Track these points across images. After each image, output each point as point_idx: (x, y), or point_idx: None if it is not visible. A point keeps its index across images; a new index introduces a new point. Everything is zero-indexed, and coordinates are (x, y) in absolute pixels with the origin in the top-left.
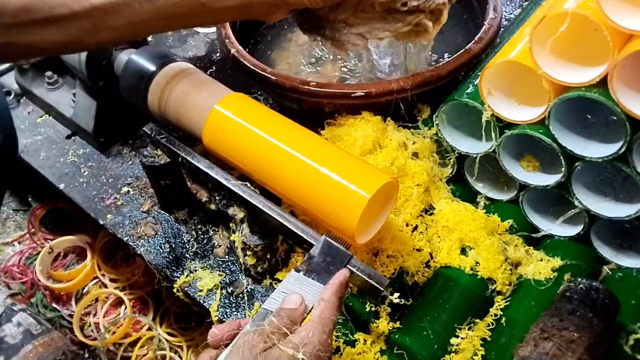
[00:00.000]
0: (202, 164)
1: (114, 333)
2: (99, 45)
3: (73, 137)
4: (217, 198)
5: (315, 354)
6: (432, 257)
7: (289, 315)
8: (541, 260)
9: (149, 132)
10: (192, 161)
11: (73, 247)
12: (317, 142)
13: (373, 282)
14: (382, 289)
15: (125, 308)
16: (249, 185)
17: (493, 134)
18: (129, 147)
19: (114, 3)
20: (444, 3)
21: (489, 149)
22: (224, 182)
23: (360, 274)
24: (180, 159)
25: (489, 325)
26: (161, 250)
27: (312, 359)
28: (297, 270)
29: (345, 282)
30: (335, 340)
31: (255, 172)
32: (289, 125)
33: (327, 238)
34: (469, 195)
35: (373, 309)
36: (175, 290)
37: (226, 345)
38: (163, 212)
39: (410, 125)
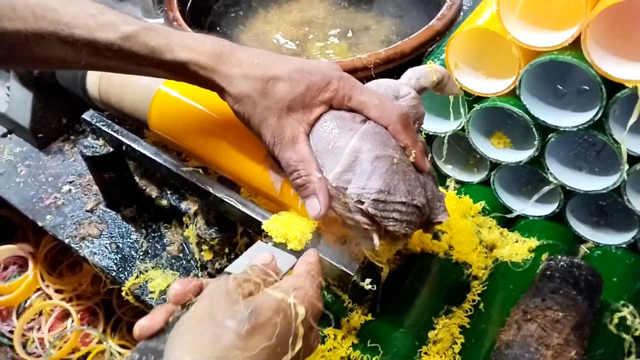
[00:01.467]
0: (149, 151)
1: (60, 348)
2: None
3: (9, 135)
4: (168, 193)
5: (308, 299)
6: (403, 246)
7: (262, 269)
8: (517, 241)
9: (89, 120)
10: (138, 148)
11: (14, 258)
12: None
13: (342, 267)
14: (352, 274)
15: (73, 321)
16: (201, 171)
17: (462, 110)
18: (70, 144)
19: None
20: (405, 234)
21: (458, 126)
22: (173, 169)
23: (328, 259)
24: (124, 147)
25: (467, 312)
26: (107, 251)
27: (306, 304)
28: (264, 242)
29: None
30: None
31: (208, 156)
32: None
33: None
34: (438, 179)
35: (346, 304)
36: (124, 293)
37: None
38: (109, 210)
39: None
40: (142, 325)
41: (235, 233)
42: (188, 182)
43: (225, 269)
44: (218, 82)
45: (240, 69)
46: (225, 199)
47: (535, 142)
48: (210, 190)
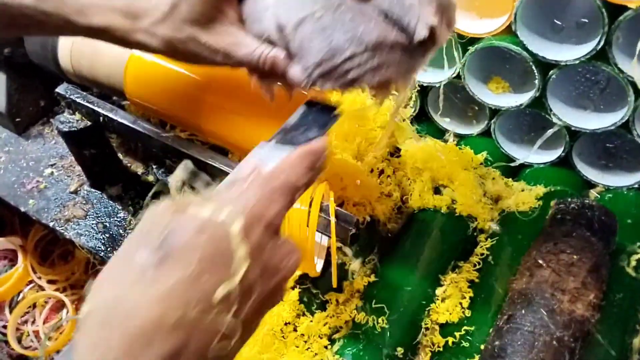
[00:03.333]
0: (127, 120)
1: (56, 339)
2: None
3: None
4: (154, 167)
5: (251, 210)
6: (403, 202)
7: (229, 185)
8: (523, 190)
9: (64, 94)
10: (115, 118)
11: (4, 252)
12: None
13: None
14: (350, 227)
15: (68, 311)
16: (183, 135)
17: (456, 54)
18: (50, 127)
19: None
20: (387, 81)
21: (453, 74)
22: (154, 137)
23: (323, 215)
24: (102, 118)
25: (475, 266)
26: (94, 232)
27: (243, 219)
28: (268, 141)
29: (321, 150)
30: (302, 303)
31: (189, 119)
32: None
33: (309, 103)
34: (436, 134)
35: (348, 266)
36: None
37: None
38: (94, 190)
39: None
40: None
41: None
42: (170, 149)
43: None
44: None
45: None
46: (209, 162)
47: (536, 82)
48: (193, 154)
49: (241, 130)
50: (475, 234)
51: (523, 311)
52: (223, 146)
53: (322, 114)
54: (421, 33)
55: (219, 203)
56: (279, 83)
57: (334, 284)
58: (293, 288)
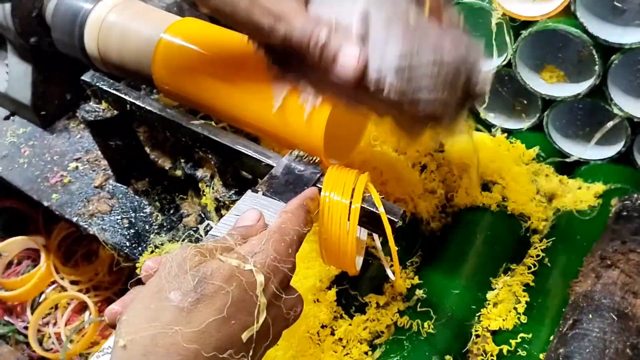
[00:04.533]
0: (154, 107)
1: (78, 342)
2: None
3: (12, 118)
4: (182, 162)
5: (269, 264)
6: (448, 200)
7: (243, 233)
8: (580, 188)
9: (89, 81)
10: (143, 105)
11: (28, 252)
12: None
13: (378, 211)
14: (396, 220)
15: (90, 313)
16: (214, 123)
17: (507, 39)
18: (76, 121)
19: None
20: (444, 106)
21: (503, 61)
22: (183, 124)
23: (366, 206)
24: (128, 106)
25: (529, 268)
26: (119, 227)
27: (266, 269)
28: (255, 191)
29: (315, 200)
30: (339, 305)
31: (219, 104)
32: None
33: (292, 156)
34: (485, 131)
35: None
36: (138, 270)
37: None
38: (119, 185)
39: None
40: (114, 312)
41: None
42: (200, 137)
43: (210, 232)
44: None
45: None
46: (241, 150)
47: (596, 68)
48: (225, 142)
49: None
50: (528, 234)
51: (590, 315)
52: (254, 133)
53: (306, 168)
54: (484, 88)
55: (244, 253)
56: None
57: (393, 277)
58: (329, 288)
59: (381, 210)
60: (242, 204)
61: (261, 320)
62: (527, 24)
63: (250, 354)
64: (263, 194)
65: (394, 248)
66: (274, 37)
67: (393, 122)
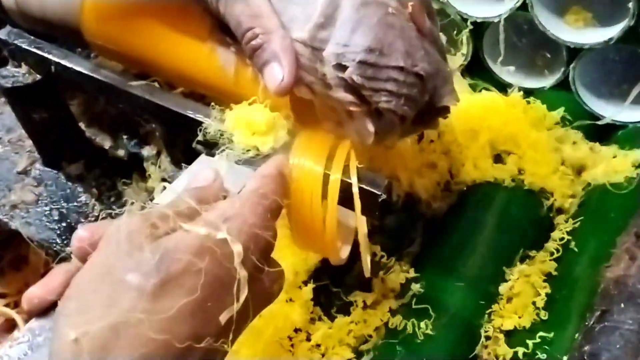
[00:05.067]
0: (84, 67)
1: None
2: None
3: None
4: (125, 138)
5: (247, 230)
6: (452, 176)
7: (198, 195)
8: (615, 156)
9: (5, 39)
10: (70, 65)
11: None
12: None
13: (364, 185)
14: (378, 192)
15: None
16: (157, 84)
17: None
18: None
19: None
20: (402, 116)
21: (516, 3)
22: (120, 87)
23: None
24: (53, 68)
25: (552, 255)
26: (47, 220)
27: (244, 237)
28: (210, 155)
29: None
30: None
31: (161, 59)
32: None
33: None
34: (496, 90)
35: (378, 258)
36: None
37: None
38: (48, 169)
39: None
40: (33, 296)
41: None
42: (141, 102)
43: (153, 201)
44: None
45: None
46: (191, 115)
47: (630, 5)
48: (170, 106)
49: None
50: (551, 213)
51: (622, 305)
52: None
53: None
54: (452, 102)
55: (213, 219)
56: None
57: (367, 273)
58: (306, 283)
59: (353, 179)
60: (194, 166)
61: (242, 297)
62: None
63: (230, 337)
64: (221, 157)
65: (362, 229)
66: (212, 10)
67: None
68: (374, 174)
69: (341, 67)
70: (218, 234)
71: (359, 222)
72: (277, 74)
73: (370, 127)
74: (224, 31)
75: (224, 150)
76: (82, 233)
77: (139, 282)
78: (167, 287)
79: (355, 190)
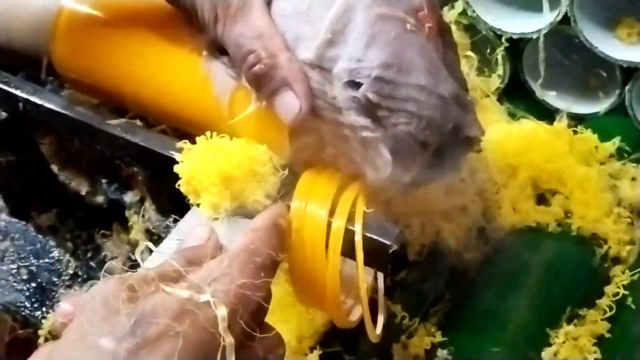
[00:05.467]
0: (57, 104)
1: None
2: None
3: None
4: (104, 183)
5: (236, 292)
6: (487, 221)
7: (189, 256)
8: None
9: None
10: (40, 102)
11: None
12: None
13: (372, 235)
14: (389, 243)
15: None
16: (139, 122)
17: None
18: None
19: None
20: (424, 143)
21: (557, 16)
22: (96, 125)
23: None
24: (21, 105)
25: (605, 313)
26: (14, 280)
27: (231, 299)
28: None
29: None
30: None
31: (142, 94)
32: None
33: None
34: (540, 116)
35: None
36: (41, 339)
37: None
38: (15, 220)
39: None
40: None
41: None
42: (120, 143)
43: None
44: None
45: None
46: (177, 157)
47: None
48: (153, 147)
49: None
50: (605, 264)
51: None
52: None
53: None
54: (476, 132)
55: (198, 280)
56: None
57: (372, 337)
58: (312, 350)
59: (357, 227)
60: (185, 223)
61: None
62: None
63: None
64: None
65: (362, 282)
66: (209, 32)
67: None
68: (385, 221)
69: (354, 85)
70: (201, 296)
71: (361, 277)
72: (293, 103)
73: (387, 155)
74: (221, 56)
75: None
76: (66, 307)
77: (113, 347)
78: (141, 353)
79: (357, 239)
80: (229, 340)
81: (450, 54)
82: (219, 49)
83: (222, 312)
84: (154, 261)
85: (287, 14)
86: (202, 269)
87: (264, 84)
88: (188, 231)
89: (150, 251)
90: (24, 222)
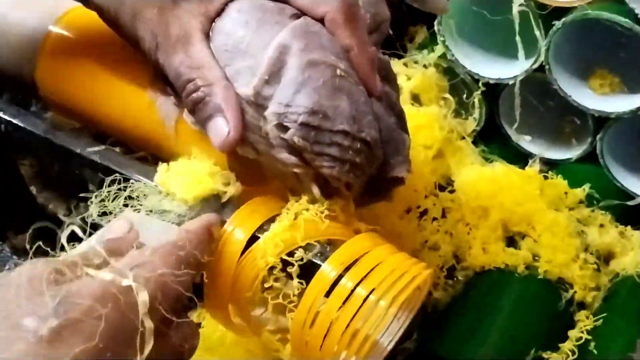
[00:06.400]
0: (38, 128)
1: None
2: None
3: None
4: (81, 206)
5: (157, 279)
6: (458, 260)
7: (109, 246)
8: None
9: None
10: (22, 125)
11: None
12: None
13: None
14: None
15: None
16: (118, 149)
17: (537, 33)
18: None
19: None
20: (348, 184)
21: (533, 64)
22: (76, 151)
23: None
24: (3, 127)
25: (567, 357)
26: None
27: (152, 286)
28: (137, 210)
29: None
30: None
31: (126, 122)
32: None
33: None
34: (514, 161)
35: None
36: None
37: None
38: None
39: (399, 53)
40: None
41: None
42: (100, 169)
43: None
44: None
45: None
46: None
47: None
48: (140, 176)
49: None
50: (571, 308)
51: None
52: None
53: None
54: (403, 173)
55: (121, 265)
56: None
57: None
58: None
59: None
60: (114, 222)
61: (147, 351)
62: (560, 11)
63: None
64: (147, 213)
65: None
66: (151, 60)
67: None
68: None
69: (283, 128)
70: (123, 280)
71: None
72: (223, 128)
73: (316, 190)
74: (165, 83)
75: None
76: None
77: (35, 326)
78: (64, 333)
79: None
80: (148, 324)
81: (388, 88)
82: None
83: (143, 297)
84: (80, 250)
85: (229, 49)
86: (125, 256)
87: (199, 109)
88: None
89: (76, 236)
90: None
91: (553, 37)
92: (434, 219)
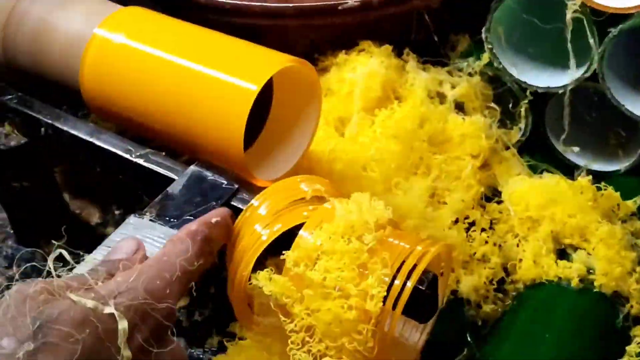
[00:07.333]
0: (81, 131)
1: None
2: None
3: None
4: (116, 214)
5: (138, 307)
6: (507, 273)
7: (112, 268)
8: None
9: None
10: (65, 128)
11: None
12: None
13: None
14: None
15: None
16: (165, 154)
17: (591, 41)
18: None
19: None
20: None
21: (585, 72)
22: (126, 156)
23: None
24: (43, 130)
25: None
26: None
27: (132, 314)
28: (140, 215)
29: (221, 224)
30: None
31: (171, 127)
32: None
33: (198, 167)
34: (560, 168)
35: None
36: None
37: None
38: (22, 247)
39: (443, 60)
40: None
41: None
42: (145, 173)
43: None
44: None
45: None
46: None
47: None
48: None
49: None
50: (627, 323)
51: None
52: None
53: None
54: None
55: (105, 292)
56: None
57: None
58: None
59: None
60: (120, 232)
61: None
62: (617, 18)
63: None
64: (150, 220)
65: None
66: None
67: None
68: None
69: None
70: (105, 308)
71: None
72: None
73: None
74: None
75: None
76: None
77: (13, 348)
78: (40, 357)
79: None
80: (126, 354)
81: None
82: None
83: (123, 325)
84: (80, 270)
85: None
86: (112, 281)
87: None
88: (117, 242)
89: (63, 258)
90: (31, 250)
91: (608, 45)
92: (482, 229)
